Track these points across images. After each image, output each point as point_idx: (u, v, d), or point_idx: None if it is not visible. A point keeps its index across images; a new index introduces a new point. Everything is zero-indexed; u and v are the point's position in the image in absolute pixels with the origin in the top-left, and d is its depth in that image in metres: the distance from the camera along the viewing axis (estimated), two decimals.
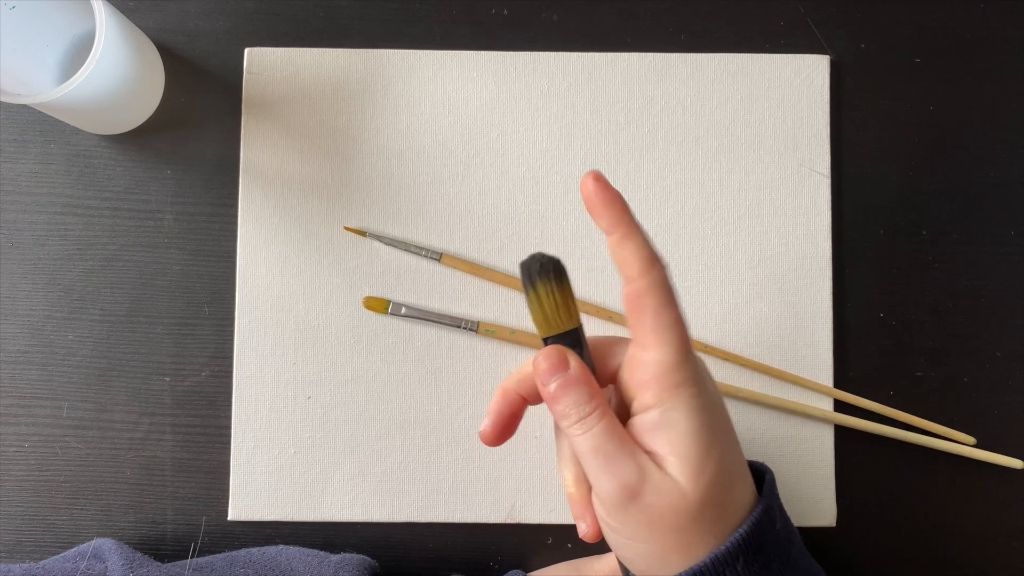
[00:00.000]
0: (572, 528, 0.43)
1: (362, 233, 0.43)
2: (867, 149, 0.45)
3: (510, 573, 0.42)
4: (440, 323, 0.43)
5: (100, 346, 0.44)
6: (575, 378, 0.29)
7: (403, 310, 0.43)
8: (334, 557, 0.40)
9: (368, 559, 0.40)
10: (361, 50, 0.44)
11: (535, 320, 0.30)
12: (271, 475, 0.43)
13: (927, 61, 0.45)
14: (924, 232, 0.45)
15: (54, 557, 0.39)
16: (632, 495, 0.28)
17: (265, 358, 0.43)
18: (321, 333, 0.43)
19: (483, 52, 0.45)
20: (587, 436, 0.28)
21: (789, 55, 0.45)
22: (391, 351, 0.43)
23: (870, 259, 0.44)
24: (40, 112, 0.43)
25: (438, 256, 0.43)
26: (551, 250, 0.44)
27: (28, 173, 0.44)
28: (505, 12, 0.45)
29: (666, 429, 0.28)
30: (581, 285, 0.43)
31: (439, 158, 0.44)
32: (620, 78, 0.44)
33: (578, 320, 0.30)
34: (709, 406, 0.28)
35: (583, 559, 0.43)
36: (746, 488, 0.29)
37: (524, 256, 0.30)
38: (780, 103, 0.44)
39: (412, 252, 0.43)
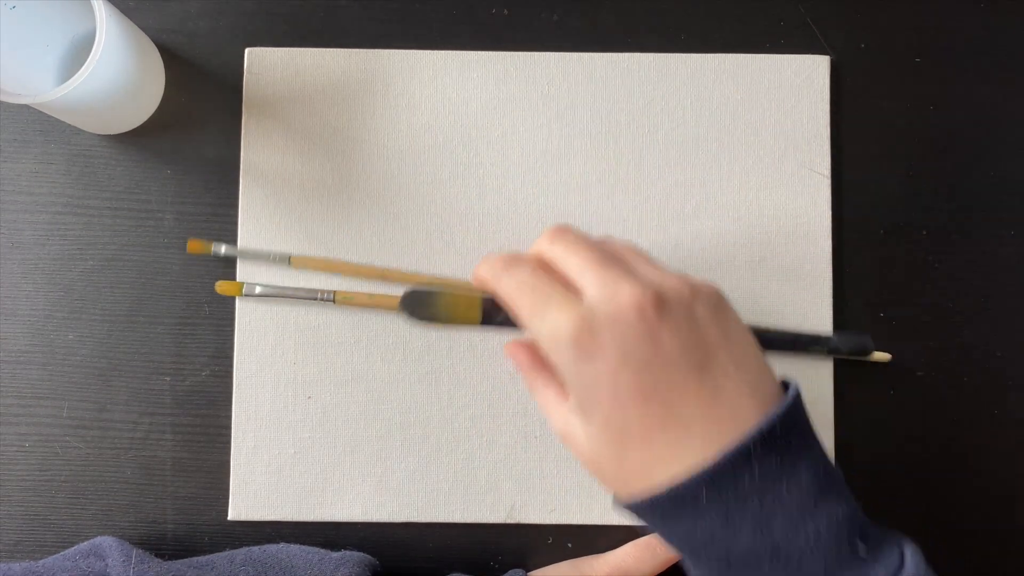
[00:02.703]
0: (572, 528, 0.43)
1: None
2: (867, 149, 0.45)
3: (511, 572, 0.42)
4: (296, 297, 0.42)
5: (100, 346, 0.44)
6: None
7: (256, 289, 0.42)
8: (334, 554, 0.40)
9: (368, 556, 0.40)
10: (361, 50, 0.44)
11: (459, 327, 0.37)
12: (271, 475, 0.43)
13: (927, 61, 0.45)
14: (924, 232, 0.45)
15: (54, 556, 0.39)
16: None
17: (265, 358, 0.43)
18: (321, 333, 0.43)
19: (483, 52, 0.45)
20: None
21: (789, 55, 0.45)
22: (391, 351, 0.43)
23: (870, 259, 0.44)
24: (40, 112, 0.43)
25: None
26: None
27: (28, 173, 0.44)
28: (505, 12, 0.45)
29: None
30: None
31: (439, 158, 0.44)
32: (620, 78, 0.44)
33: (477, 315, 0.35)
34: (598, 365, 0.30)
35: (583, 558, 0.43)
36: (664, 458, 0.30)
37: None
38: (780, 103, 0.44)
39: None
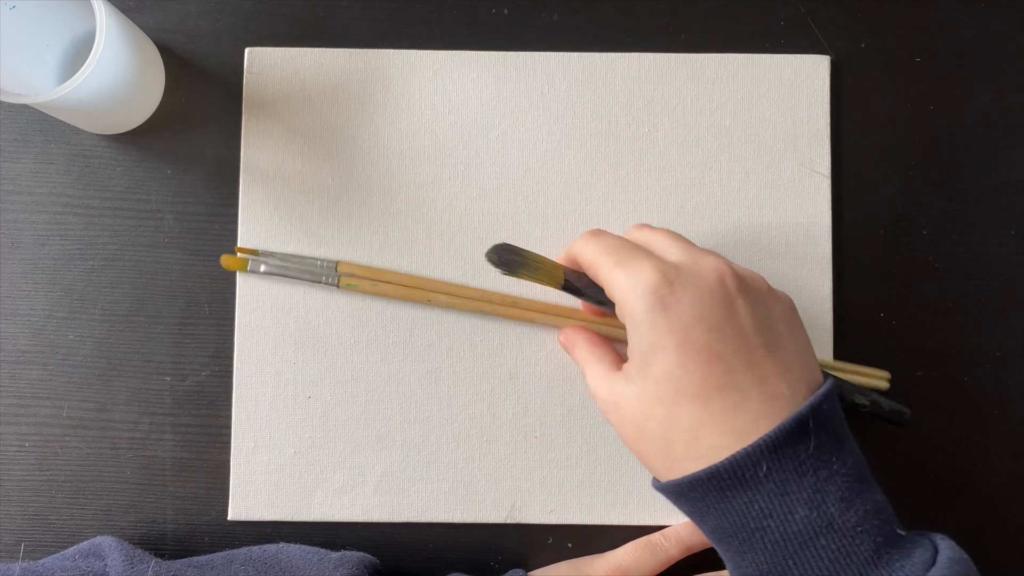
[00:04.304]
0: (572, 528, 0.43)
1: (246, 262, 0.43)
2: (867, 149, 0.45)
3: (511, 572, 0.42)
4: (300, 279, 0.43)
5: (100, 346, 0.44)
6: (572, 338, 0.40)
7: (261, 267, 0.43)
8: (334, 554, 0.40)
9: (368, 556, 0.40)
10: (361, 50, 0.44)
11: (542, 283, 0.38)
12: (271, 475, 0.43)
13: (927, 61, 0.45)
14: (924, 232, 0.45)
15: (54, 556, 0.39)
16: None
17: (265, 358, 0.43)
18: (321, 333, 0.43)
19: (483, 52, 0.45)
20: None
21: (789, 55, 0.45)
22: (391, 351, 0.43)
23: (870, 259, 0.44)
24: (40, 112, 0.43)
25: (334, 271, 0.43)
26: (550, 252, 0.44)
27: (28, 173, 0.44)
28: (505, 12, 0.45)
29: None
30: None
31: (439, 158, 0.44)
32: (620, 78, 0.44)
33: (560, 276, 0.38)
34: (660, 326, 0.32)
35: (583, 559, 0.43)
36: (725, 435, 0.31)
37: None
38: (780, 103, 0.44)
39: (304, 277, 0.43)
